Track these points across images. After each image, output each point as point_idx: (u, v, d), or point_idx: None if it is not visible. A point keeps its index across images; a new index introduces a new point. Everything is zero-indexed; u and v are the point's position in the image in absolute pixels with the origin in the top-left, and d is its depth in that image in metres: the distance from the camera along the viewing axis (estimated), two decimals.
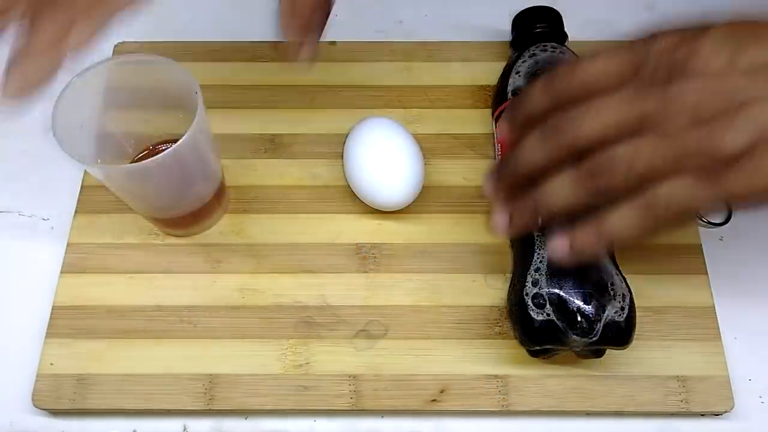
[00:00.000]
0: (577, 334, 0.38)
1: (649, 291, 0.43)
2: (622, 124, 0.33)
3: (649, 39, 0.33)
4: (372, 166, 0.45)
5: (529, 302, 0.39)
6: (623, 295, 0.39)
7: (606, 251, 0.40)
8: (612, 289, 0.39)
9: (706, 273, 0.45)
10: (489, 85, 0.52)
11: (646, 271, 0.44)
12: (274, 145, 0.50)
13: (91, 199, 0.48)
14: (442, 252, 0.46)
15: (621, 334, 0.38)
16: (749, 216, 0.46)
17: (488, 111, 0.51)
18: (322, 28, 0.40)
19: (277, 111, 0.51)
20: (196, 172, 0.43)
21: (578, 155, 0.34)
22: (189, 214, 0.45)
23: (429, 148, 0.48)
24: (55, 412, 0.42)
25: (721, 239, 0.47)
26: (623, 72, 0.33)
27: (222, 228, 0.47)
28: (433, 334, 0.43)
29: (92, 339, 0.43)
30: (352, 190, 0.47)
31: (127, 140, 0.46)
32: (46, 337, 0.43)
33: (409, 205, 0.46)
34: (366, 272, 0.45)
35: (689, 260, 0.45)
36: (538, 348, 0.40)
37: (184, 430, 0.42)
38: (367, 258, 0.46)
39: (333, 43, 0.54)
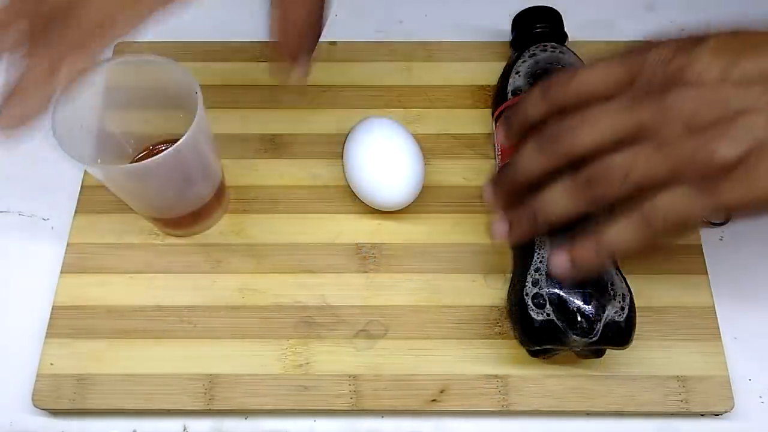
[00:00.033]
0: (577, 334, 0.38)
1: (649, 291, 0.43)
2: (619, 133, 0.33)
3: (645, 49, 0.34)
4: (372, 166, 0.45)
5: (529, 302, 0.39)
6: (623, 295, 0.39)
7: (606, 264, 0.40)
8: (612, 289, 0.39)
9: (706, 273, 0.45)
10: (489, 85, 0.52)
11: (646, 271, 0.44)
12: (274, 145, 0.50)
13: (91, 199, 0.48)
14: (442, 252, 0.46)
15: (621, 334, 0.38)
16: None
17: (488, 111, 0.51)
18: (313, 49, 0.40)
19: (277, 111, 0.51)
20: (196, 172, 0.43)
21: (575, 164, 0.34)
22: (189, 214, 0.45)
23: (429, 148, 0.48)
24: (55, 412, 0.42)
25: (721, 239, 0.47)
26: (620, 81, 0.34)
27: (222, 228, 0.47)
28: (433, 334, 0.43)
29: (92, 339, 0.43)
30: (352, 190, 0.47)
31: (127, 140, 0.46)
32: (46, 337, 0.43)
33: (409, 205, 0.46)
34: (366, 272, 0.45)
35: (689, 260, 0.45)
36: (538, 348, 0.40)
37: (184, 430, 0.42)
38: (367, 258, 0.46)
39: (333, 43, 0.54)
